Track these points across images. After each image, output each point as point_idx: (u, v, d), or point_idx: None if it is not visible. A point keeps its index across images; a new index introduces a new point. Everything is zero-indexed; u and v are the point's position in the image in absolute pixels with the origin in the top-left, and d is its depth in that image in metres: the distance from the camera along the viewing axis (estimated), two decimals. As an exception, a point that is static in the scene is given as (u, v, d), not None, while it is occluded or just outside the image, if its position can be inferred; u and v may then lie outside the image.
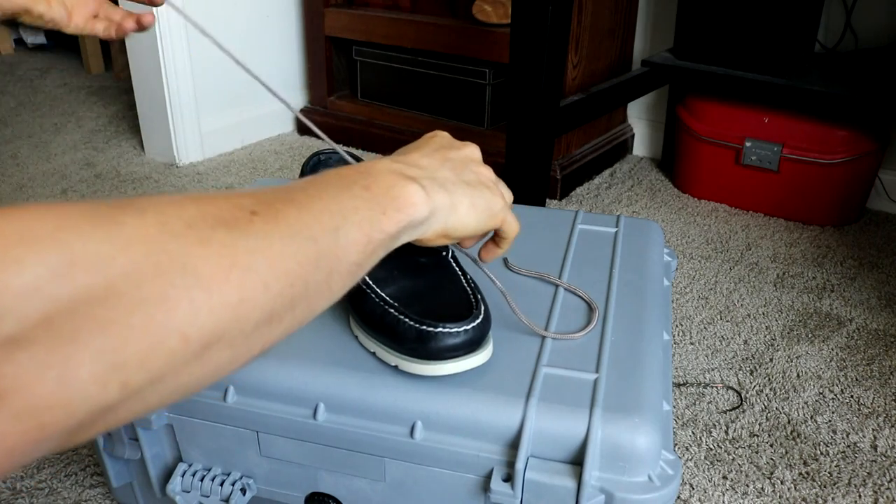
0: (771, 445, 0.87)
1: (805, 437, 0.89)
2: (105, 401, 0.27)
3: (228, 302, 0.31)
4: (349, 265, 0.38)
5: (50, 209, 0.28)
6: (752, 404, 0.94)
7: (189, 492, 0.62)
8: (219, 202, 0.33)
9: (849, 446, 0.87)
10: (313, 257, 0.36)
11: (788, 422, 0.91)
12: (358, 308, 0.59)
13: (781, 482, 0.82)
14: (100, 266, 0.27)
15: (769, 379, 0.99)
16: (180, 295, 0.29)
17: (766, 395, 0.96)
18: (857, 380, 0.99)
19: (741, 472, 0.83)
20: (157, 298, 0.29)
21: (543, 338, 0.61)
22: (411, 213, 0.43)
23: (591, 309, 0.65)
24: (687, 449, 0.87)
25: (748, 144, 1.44)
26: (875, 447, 0.87)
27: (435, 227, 0.47)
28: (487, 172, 0.53)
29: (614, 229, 0.80)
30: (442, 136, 0.54)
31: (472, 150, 0.54)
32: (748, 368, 1.01)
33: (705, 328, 1.10)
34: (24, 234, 0.27)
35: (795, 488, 0.81)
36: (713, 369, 1.01)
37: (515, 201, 1.20)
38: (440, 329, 0.54)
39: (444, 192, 0.47)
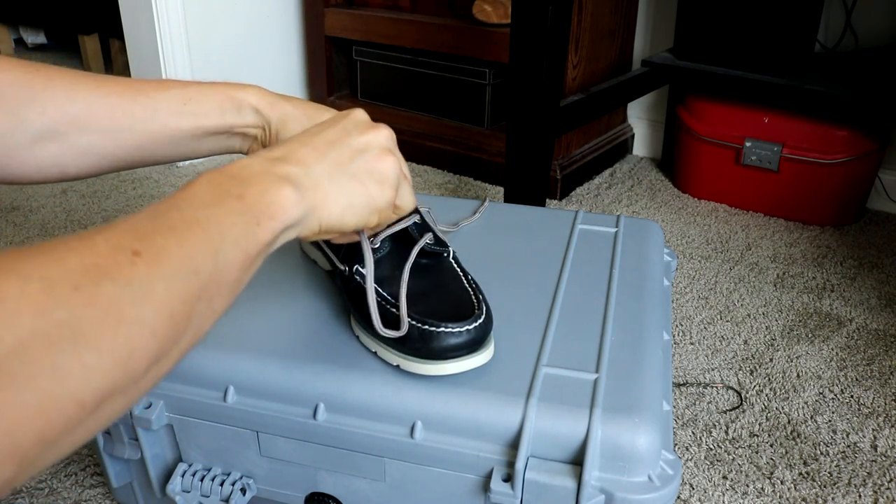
0: (771, 445, 0.87)
1: (805, 437, 0.89)
2: (2, 477, 0.28)
3: (119, 357, 0.31)
4: (230, 284, 0.39)
5: None
6: (752, 404, 0.94)
7: (189, 492, 0.62)
8: (99, 247, 0.33)
9: (849, 446, 0.87)
10: (196, 291, 0.36)
11: (788, 422, 0.91)
12: (360, 307, 0.59)
13: (781, 482, 0.82)
14: None
15: (769, 379, 0.99)
16: (72, 362, 0.29)
17: (766, 395, 0.96)
18: (857, 380, 0.99)
19: (741, 472, 0.83)
20: (49, 370, 0.29)
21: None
22: (284, 219, 0.42)
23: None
24: (687, 449, 0.87)
25: (748, 144, 1.44)
26: (875, 447, 0.87)
27: (311, 226, 0.46)
28: (383, 164, 0.50)
29: (614, 229, 0.80)
30: (350, 119, 0.51)
31: (376, 137, 0.50)
32: (748, 368, 1.01)
33: (705, 328, 1.10)
34: None
35: (795, 488, 0.81)
36: (713, 369, 1.01)
37: (516, 201, 1.21)
38: (442, 329, 0.54)
39: (319, 189, 0.45)
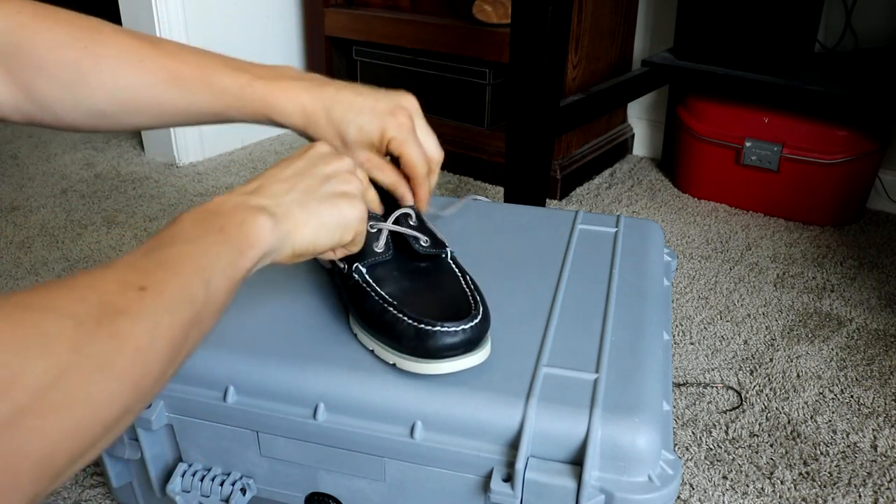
0: (771, 445, 0.87)
1: (805, 437, 0.89)
2: (35, 492, 0.31)
3: (135, 383, 0.36)
4: (218, 308, 0.44)
5: None
6: (752, 404, 0.94)
7: (189, 492, 0.62)
8: (110, 285, 0.37)
9: (849, 446, 0.87)
10: (192, 317, 0.41)
11: (788, 422, 0.91)
12: (358, 306, 0.59)
13: (781, 482, 0.82)
14: (32, 380, 0.30)
15: (769, 379, 0.99)
16: (101, 391, 0.33)
17: (766, 395, 0.96)
18: (857, 380, 0.99)
19: (741, 472, 0.83)
20: (83, 399, 0.33)
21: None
22: (262, 246, 0.47)
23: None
24: (687, 449, 0.87)
25: (748, 144, 1.44)
26: (875, 447, 0.87)
27: (285, 251, 0.50)
28: (349, 184, 0.54)
29: (614, 229, 0.80)
30: (314, 151, 0.55)
31: (340, 164, 0.55)
32: (748, 368, 1.01)
33: (705, 328, 1.10)
34: None
35: (795, 488, 0.81)
36: (713, 369, 1.01)
37: (516, 201, 1.21)
38: (438, 328, 0.54)
39: (291, 216, 0.49)
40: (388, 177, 0.63)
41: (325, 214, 0.52)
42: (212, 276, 0.42)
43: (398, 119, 0.62)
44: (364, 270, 0.59)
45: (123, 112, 0.58)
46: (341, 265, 0.61)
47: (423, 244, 0.62)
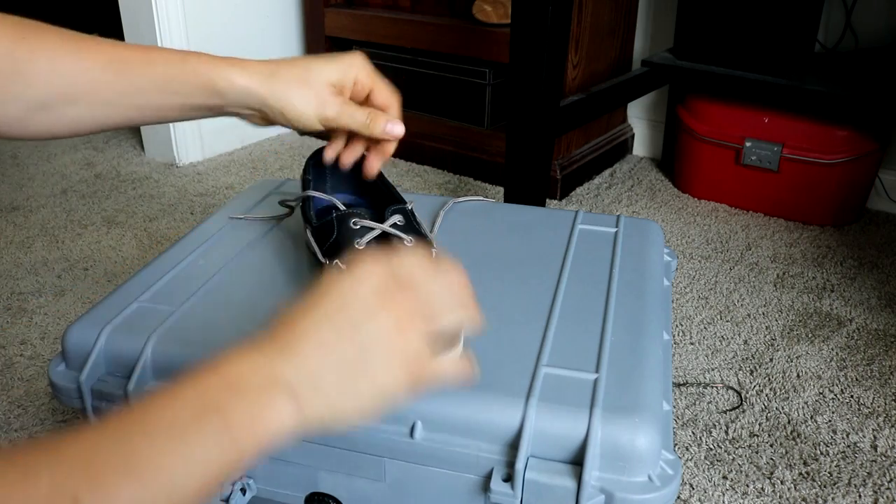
0: (771, 445, 0.87)
1: (805, 437, 0.89)
2: None
3: None
4: None
5: None
6: (752, 404, 0.94)
7: (189, 492, 0.62)
8: (41, 489, 0.30)
9: (849, 446, 0.87)
10: None
11: (788, 422, 0.91)
12: None
13: (781, 482, 0.82)
14: None
15: (769, 379, 0.99)
16: None
17: (766, 395, 0.96)
18: (857, 380, 0.99)
19: (741, 472, 0.83)
20: None
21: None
22: (272, 439, 0.37)
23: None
24: (687, 449, 0.87)
25: (748, 144, 1.44)
26: (875, 447, 0.87)
27: (307, 432, 0.40)
28: (403, 343, 0.41)
29: (614, 229, 0.80)
30: (368, 285, 0.42)
31: (400, 307, 0.42)
32: (748, 368, 1.01)
33: (705, 328, 1.10)
34: None
35: (795, 488, 0.81)
36: (713, 369, 1.01)
37: (516, 201, 1.21)
38: None
39: (324, 397, 0.39)
40: (363, 114, 0.61)
41: (363, 393, 0.41)
42: (184, 482, 0.34)
43: (359, 59, 0.63)
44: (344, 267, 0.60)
45: (61, 103, 0.54)
46: (324, 260, 0.61)
47: (407, 245, 0.62)
